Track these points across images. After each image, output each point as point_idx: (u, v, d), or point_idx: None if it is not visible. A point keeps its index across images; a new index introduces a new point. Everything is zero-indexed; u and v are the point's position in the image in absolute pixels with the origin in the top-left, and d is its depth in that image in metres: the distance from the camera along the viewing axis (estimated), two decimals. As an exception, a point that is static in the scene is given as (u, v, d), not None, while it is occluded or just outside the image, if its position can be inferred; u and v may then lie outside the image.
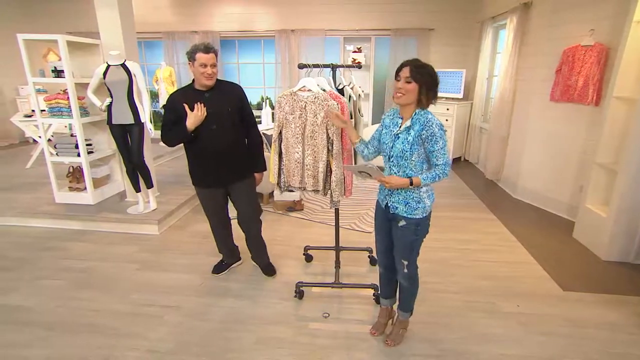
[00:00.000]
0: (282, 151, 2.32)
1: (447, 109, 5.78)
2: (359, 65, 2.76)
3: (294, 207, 3.99)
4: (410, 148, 1.71)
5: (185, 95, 2.24)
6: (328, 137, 2.16)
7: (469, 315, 2.33)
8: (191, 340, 2.12)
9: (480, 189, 4.79)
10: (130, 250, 3.15)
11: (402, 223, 1.83)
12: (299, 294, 2.48)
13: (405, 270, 1.92)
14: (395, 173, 1.79)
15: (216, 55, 2.19)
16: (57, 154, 3.43)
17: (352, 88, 2.51)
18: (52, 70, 3.30)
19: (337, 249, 2.66)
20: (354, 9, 6.45)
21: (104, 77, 3.19)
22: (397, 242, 1.90)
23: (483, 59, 5.57)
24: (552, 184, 3.97)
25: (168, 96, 2.35)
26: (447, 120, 5.79)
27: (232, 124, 2.31)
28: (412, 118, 1.74)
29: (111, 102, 3.26)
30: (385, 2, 6.34)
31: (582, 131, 3.60)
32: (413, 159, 1.73)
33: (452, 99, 5.92)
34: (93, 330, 2.19)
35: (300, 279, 2.65)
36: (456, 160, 6.16)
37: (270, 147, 2.54)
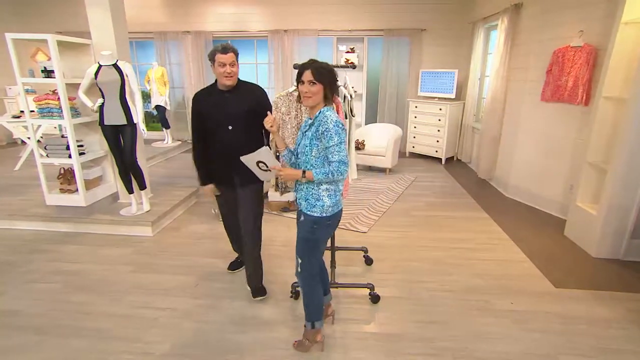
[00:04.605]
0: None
1: (440, 109, 5.82)
2: (352, 66, 2.77)
3: (289, 207, 3.99)
4: (310, 143, 1.75)
5: (208, 94, 2.29)
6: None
7: (464, 314, 2.35)
8: (187, 342, 2.11)
9: (473, 188, 4.84)
10: (124, 252, 3.12)
11: (301, 218, 1.86)
12: (295, 295, 2.49)
13: (299, 269, 1.92)
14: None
15: (236, 55, 2.19)
16: (47, 155, 3.38)
17: (345, 88, 2.52)
18: (42, 70, 3.24)
19: (333, 249, 2.67)
20: (346, 9, 6.47)
21: (96, 78, 3.15)
22: (297, 237, 1.91)
23: (475, 60, 5.63)
24: (544, 183, 4.03)
25: (193, 95, 2.36)
26: (439, 120, 5.84)
27: (247, 126, 2.28)
28: (316, 116, 1.77)
29: (103, 103, 3.23)
30: (378, 2, 6.37)
31: (573, 131, 3.66)
32: (313, 154, 1.76)
33: (445, 99, 5.97)
34: (86, 334, 2.16)
35: (296, 279, 2.63)
36: (449, 160, 6.21)
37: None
